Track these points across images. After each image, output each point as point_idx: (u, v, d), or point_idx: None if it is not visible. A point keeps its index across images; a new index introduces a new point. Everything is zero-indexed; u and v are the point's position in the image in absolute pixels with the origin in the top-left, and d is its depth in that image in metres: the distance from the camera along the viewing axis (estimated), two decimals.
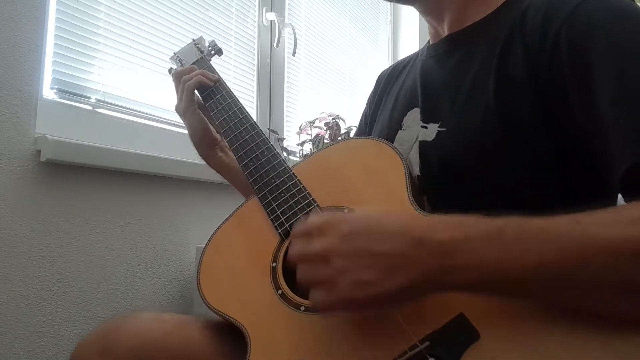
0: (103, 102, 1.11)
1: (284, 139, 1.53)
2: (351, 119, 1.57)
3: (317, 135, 1.45)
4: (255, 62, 1.56)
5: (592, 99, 0.50)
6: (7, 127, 0.89)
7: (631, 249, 0.38)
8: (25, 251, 0.90)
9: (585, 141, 0.52)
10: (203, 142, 0.84)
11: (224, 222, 0.67)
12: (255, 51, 1.57)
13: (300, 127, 1.52)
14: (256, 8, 1.58)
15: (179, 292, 1.18)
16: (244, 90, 1.51)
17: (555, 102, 0.54)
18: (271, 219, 0.63)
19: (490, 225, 0.42)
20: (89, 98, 1.09)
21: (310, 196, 0.63)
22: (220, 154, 0.85)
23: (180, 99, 0.84)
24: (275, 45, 1.60)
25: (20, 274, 0.89)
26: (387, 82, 0.82)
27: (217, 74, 0.86)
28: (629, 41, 0.49)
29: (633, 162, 0.46)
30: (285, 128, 1.63)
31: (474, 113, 0.59)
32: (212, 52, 0.94)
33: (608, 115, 0.48)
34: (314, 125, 1.49)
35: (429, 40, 0.76)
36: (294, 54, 1.63)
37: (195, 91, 0.84)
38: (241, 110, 0.78)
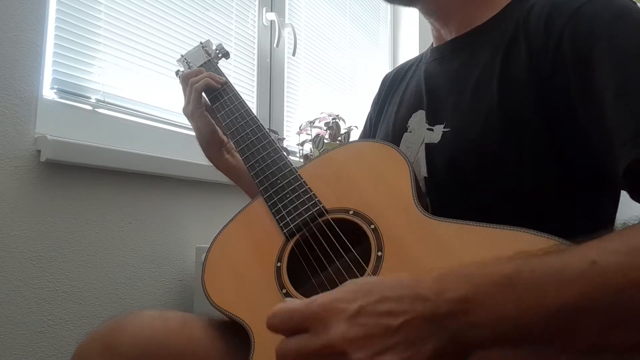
0: (103, 102, 1.11)
1: (284, 139, 1.53)
2: (351, 119, 1.57)
3: (317, 135, 1.45)
4: (255, 62, 1.56)
5: (595, 96, 0.50)
6: (7, 127, 0.89)
7: None
8: (25, 251, 0.90)
9: (587, 140, 0.53)
10: (210, 144, 0.84)
11: (229, 222, 0.67)
12: (255, 51, 1.56)
13: (300, 127, 1.52)
14: (256, 8, 1.58)
15: (179, 292, 1.18)
16: (244, 90, 1.51)
17: (558, 101, 0.54)
18: (276, 219, 0.63)
19: (501, 272, 0.38)
20: (89, 98, 1.08)
21: (316, 197, 0.63)
22: (227, 156, 0.86)
23: (187, 101, 0.84)
24: (275, 45, 1.60)
25: (20, 274, 0.89)
26: (392, 84, 0.83)
27: (225, 77, 0.86)
28: (632, 40, 0.50)
29: (636, 156, 0.46)
30: (285, 128, 1.63)
31: (476, 114, 0.60)
32: (220, 55, 0.94)
33: (610, 112, 0.48)
34: (314, 125, 1.49)
35: (432, 43, 0.76)
36: (294, 54, 1.63)
37: (203, 93, 0.84)
38: (248, 112, 0.79)
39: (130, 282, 1.07)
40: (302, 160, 1.46)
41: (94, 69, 1.10)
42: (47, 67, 0.99)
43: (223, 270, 0.62)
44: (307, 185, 0.65)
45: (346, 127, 1.51)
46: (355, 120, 1.54)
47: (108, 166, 1.03)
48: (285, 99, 1.66)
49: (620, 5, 0.53)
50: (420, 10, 0.72)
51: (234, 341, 0.58)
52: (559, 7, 0.55)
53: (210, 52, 0.93)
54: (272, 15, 1.59)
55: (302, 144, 1.49)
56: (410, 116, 0.70)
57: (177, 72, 0.92)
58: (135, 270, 1.09)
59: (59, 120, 1.01)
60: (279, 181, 0.67)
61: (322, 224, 0.60)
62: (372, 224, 0.57)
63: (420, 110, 0.69)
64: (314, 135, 1.46)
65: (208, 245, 0.65)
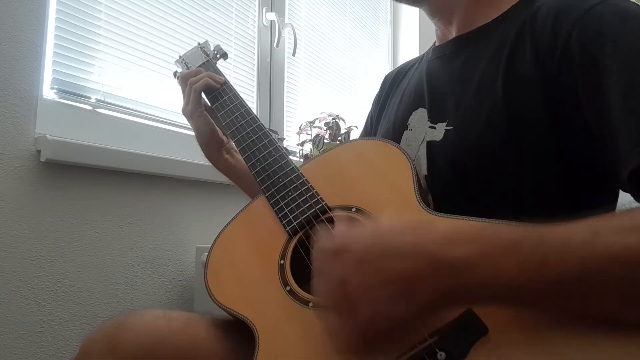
0: (103, 102, 1.11)
1: (284, 139, 1.53)
2: (351, 119, 1.57)
3: (317, 135, 1.45)
4: (255, 62, 1.56)
5: (602, 97, 0.50)
6: (7, 127, 0.89)
7: None
8: (25, 251, 0.90)
9: (592, 141, 0.53)
10: (210, 144, 0.84)
11: (230, 221, 0.67)
12: (255, 51, 1.56)
13: (300, 127, 1.52)
14: (256, 8, 1.58)
15: (179, 292, 1.18)
16: (244, 90, 1.51)
17: (564, 101, 0.54)
18: (279, 217, 0.63)
19: (508, 236, 0.41)
20: (89, 98, 1.08)
21: (318, 195, 0.63)
22: (227, 156, 0.85)
23: (187, 102, 0.83)
24: (275, 45, 1.60)
25: (20, 274, 0.89)
26: (392, 83, 0.83)
27: (224, 77, 0.86)
28: (639, 43, 0.50)
29: None
30: (285, 128, 1.63)
31: (479, 112, 0.59)
32: (218, 55, 0.94)
33: (617, 114, 0.48)
34: (314, 125, 1.49)
35: (434, 42, 0.76)
36: (294, 54, 1.63)
37: (202, 93, 0.84)
38: (248, 111, 0.79)
39: (130, 282, 1.07)
40: (302, 160, 1.46)
41: (94, 69, 1.10)
42: (47, 67, 0.99)
43: (226, 268, 0.62)
44: (309, 183, 0.65)
45: (346, 127, 1.51)
46: (355, 120, 1.54)
47: (108, 166, 1.02)
48: (285, 99, 1.66)
49: (627, 9, 0.53)
50: (425, 10, 0.72)
51: (238, 340, 0.58)
52: (567, 10, 0.56)
53: (208, 52, 0.93)
54: (272, 15, 1.59)
55: (302, 144, 1.49)
56: (411, 114, 0.70)
57: (175, 73, 0.92)
58: (135, 270, 1.08)
59: (59, 120, 1.01)
60: (280, 179, 0.67)
61: (325, 221, 0.60)
62: None
63: (420, 109, 0.69)
64: (314, 135, 1.46)
65: (208, 245, 0.65)
